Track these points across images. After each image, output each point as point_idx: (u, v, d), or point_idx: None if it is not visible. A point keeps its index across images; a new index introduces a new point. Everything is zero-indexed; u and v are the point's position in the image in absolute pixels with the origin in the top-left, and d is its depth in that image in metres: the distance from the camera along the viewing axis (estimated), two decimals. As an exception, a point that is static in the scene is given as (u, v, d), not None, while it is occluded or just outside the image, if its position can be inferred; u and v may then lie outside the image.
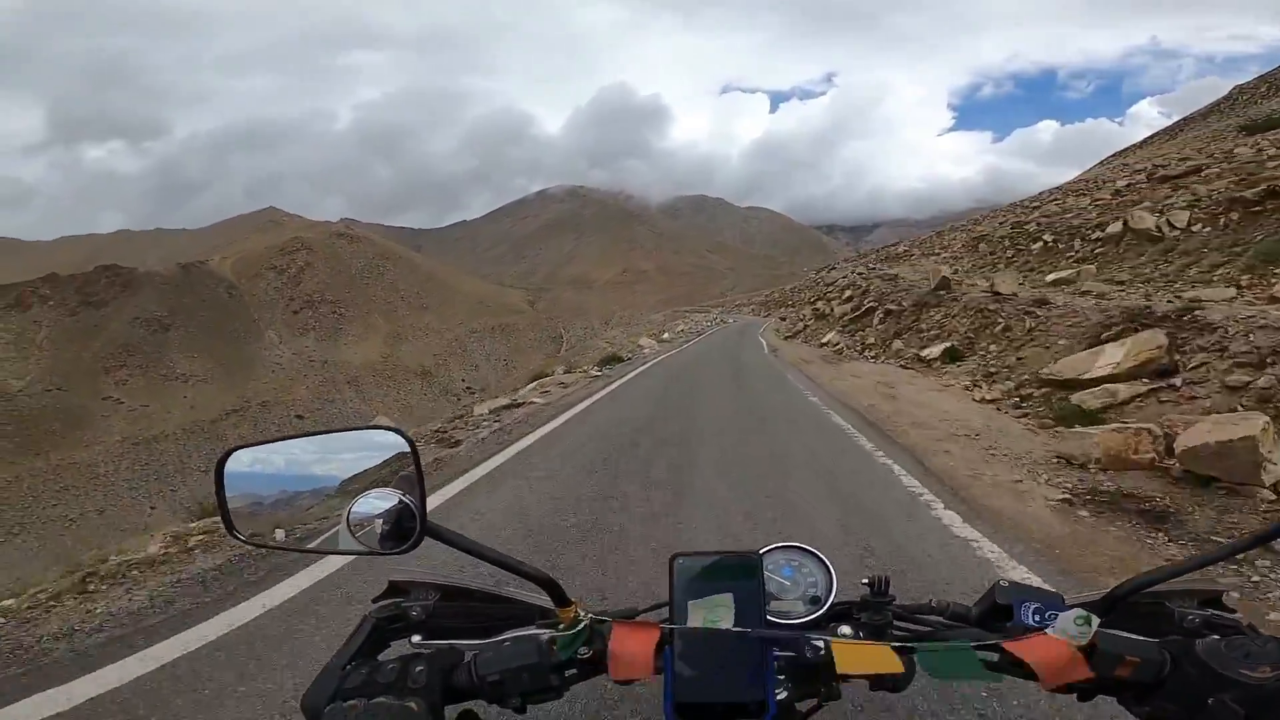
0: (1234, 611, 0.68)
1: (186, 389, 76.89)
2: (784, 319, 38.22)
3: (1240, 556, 2.95)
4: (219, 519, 0.73)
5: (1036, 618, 0.66)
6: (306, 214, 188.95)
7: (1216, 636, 0.61)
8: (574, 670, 0.67)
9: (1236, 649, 0.57)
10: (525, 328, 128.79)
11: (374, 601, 0.72)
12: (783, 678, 0.65)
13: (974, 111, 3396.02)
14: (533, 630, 0.69)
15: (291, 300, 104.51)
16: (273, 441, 0.77)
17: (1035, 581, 2.76)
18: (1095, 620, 0.62)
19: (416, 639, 0.70)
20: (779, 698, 0.64)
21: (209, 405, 74.40)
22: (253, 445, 0.77)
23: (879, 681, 0.65)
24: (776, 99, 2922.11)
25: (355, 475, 0.72)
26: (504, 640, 0.68)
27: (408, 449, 0.71)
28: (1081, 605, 0.65)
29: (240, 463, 0.75)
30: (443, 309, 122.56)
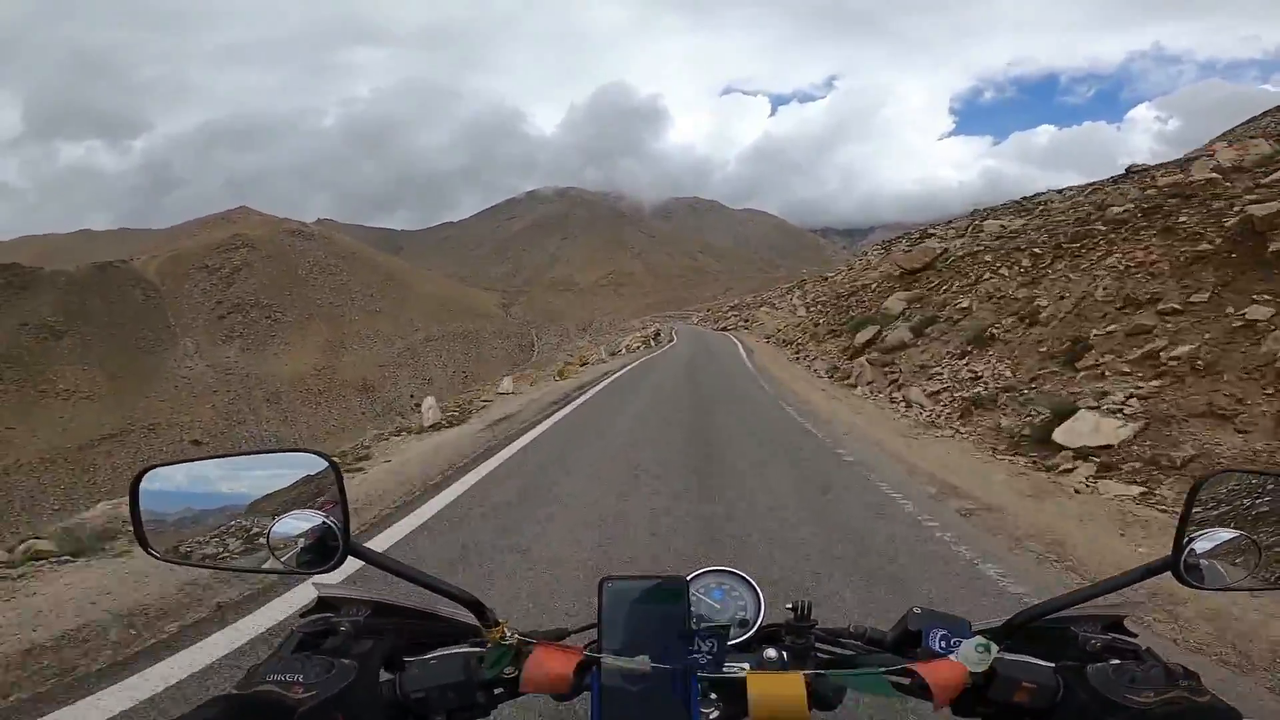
0: (1134, 635, 0.69)
1: (65, 407, 65.73)
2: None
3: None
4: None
5: (943, 643, 0.68)
6: (288, 213, 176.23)
7: (1114, 661, 0.62)
8: (501, 689, 0.67)
9: (1124, 674, 0.58)
10: (491, 334, 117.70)
11: (301, 616, 0.70)
12: (715, 697, 0.66)
13: (974, 115, 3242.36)
14: (460, 649, 0.69)
15: (219, 304, 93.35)
16: (192, 461, 0.78)
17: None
18: (994, 647, 0.64)
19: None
20: (712, 717, 0.65)
21: (85, 428, 63.31)
22: (171, 464, 0.78)
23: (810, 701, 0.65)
24: (777, 101, 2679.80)
25: (274, 496, 0.72)
26: (430, 658, 0.68)
27: (329, 470, 0.71)
28: (985, 632, 0.67)
29: (157, 481, 0.75)
30: (398, 313, 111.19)
